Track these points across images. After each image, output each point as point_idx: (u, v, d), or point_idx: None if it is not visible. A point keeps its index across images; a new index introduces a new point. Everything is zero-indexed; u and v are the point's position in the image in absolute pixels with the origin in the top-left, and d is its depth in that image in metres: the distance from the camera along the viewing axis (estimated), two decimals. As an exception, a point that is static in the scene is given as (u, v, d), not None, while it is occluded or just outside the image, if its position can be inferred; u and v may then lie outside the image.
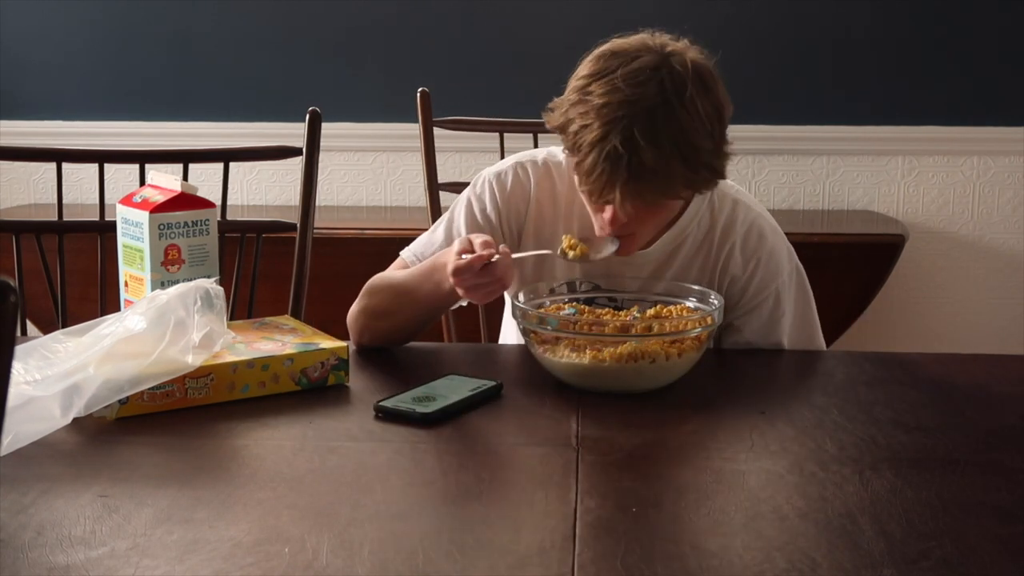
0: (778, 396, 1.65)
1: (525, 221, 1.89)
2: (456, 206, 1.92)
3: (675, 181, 1.66)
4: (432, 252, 1.87)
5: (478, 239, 1.66)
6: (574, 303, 1.79)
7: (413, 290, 1.79)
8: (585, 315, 1.72)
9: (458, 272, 1.64)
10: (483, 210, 1.88)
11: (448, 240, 1.87)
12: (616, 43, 1.71)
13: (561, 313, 1.72)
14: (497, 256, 1.64)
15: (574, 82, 1.70)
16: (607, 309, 1.78)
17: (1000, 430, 1.53)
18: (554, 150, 1.91)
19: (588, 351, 1.62)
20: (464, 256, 1.64)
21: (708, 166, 1.67)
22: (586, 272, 1.87)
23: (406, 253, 1.91)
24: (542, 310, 1.72)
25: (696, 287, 1.78)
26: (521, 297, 1.73)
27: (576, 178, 1.71)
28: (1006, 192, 3.58)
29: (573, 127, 1.67)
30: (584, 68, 1.70)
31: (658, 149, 1.61)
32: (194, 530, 1.19)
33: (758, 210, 1.89)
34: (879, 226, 3.43)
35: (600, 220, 1.75)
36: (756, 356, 1.82)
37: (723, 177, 1.73)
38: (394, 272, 1.89)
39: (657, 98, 1.62)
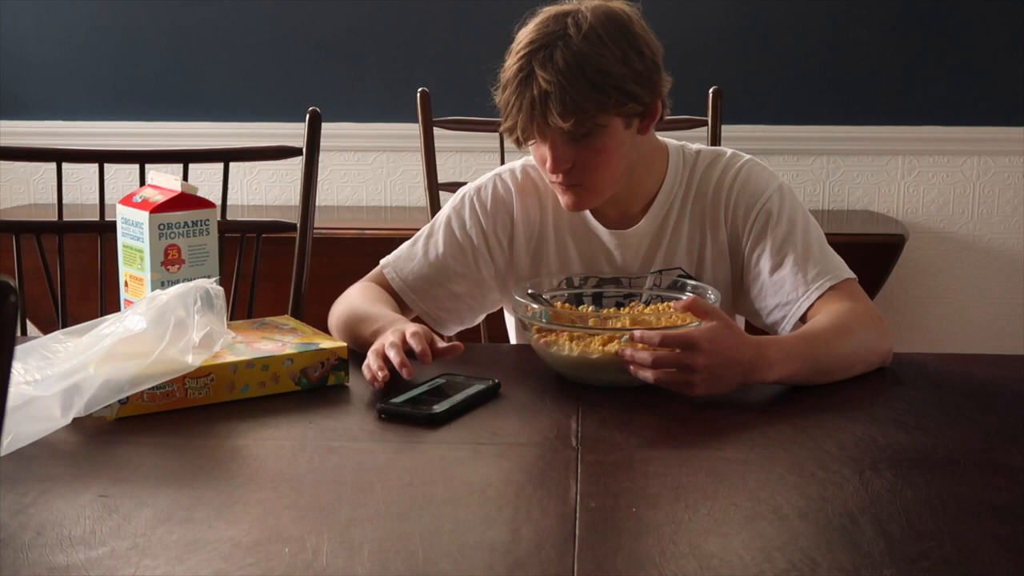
0: (778, 396, 1.65)
1: (513, 232, 1.92)
2: (437, 220, 1.94)
3: (584, 104, 1.71)
4: (412, 267, 1.91)
5: (410, 332, 1.65)
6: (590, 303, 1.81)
7: (359, 335, 1.77)
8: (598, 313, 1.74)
9: (375, 354, 1.63)
10: (463, 227, 1.91)
11: (425, 257, 1.91)
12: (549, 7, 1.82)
13: (589, 310, 1.74)
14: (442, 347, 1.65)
15: None
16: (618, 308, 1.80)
17: (1000, 430, 1.53)
18: (531, 158, 1.94)
19: (590, 343, 1.63)
20: (388, 350, 1.63)
21: (620, 89, 1.73)
22: (585, 264, 1.90)
23: (386, 267, 1.93)
24: (560, 305, 1.75)
25: (692, 282, 1.79)
26: (521, 290, 1.74)
27: (508, 127, 1.78)
28: (1006, 192, 3.58)
29: (500, 94, 1.78)
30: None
31: (557, 73, 1.70)
32: (194, 530, 1.19)
33: (730, 152, 1.91)
34: (879, 226, 3.43)
35: (547, 173, 1.80)
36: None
37: (644, 103, 1.76)
38: (358, 304, 1.86)
39: (558, 34, 1.74)
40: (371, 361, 1.63)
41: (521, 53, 1.74)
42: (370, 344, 1.69)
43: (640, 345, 1.59)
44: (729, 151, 1.92)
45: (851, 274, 1.83)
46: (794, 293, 1.81)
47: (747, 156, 1.91)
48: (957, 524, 1.23)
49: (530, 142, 1.78)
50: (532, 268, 1.91)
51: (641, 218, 1.88)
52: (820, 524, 1.22)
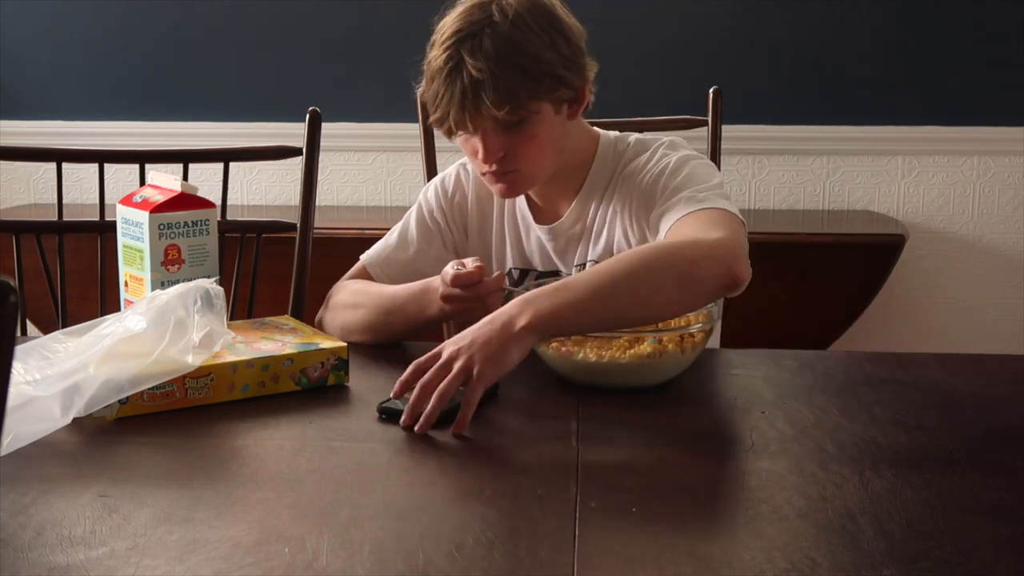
0: (778, 396, 1.65)
1: (468, 218, 1.97)
2: (410, 211, 2.00)
3: (517, 91, 1.71)
4: (388, 254, 1.95)
5: (469, 260, 1.72)
6: None
7: (398, 310, 1.82)
8: None
9: (454, 282, 1.69)
10: (431, 213, 1.97)
11: (400, 243, 1.97)
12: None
13: None
14: (490, 279, 1.70)
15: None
16: None
17: (1000, 430, 1.53)
18: None
19: (591, 347, 1.63)
20: (457, 273, 1.70)
21: (551, 75, 1.74)
22: (519, 259, 1.93)
23: (366, 259, 1.97)
24: None
25: None
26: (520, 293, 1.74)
27: (436, 119, 1.79)
28: (1006, 192, 3.58)
29: (426, 88, 1.78)
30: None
31: (487, 61, 1.70)
32: (194, 530, 1.19)
33: (669, 140, 1.88)
34: (879, 226, 3.43)
35: (479, 163, 1.81)
36: (756, 356, 1.82)
37: (575, 87, 1.77)
38: (374, 288, 1.89)
39: (484, 22, 1.74)
40: (459, 273, 1.68)
41: (447, 43, 1.74)
42: (409, 316, 1.77)
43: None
44: (666, 139, 1.87)
45: (727, 206, 1.71)
46: (657, 220, 1.76)
47: (668, 139, 1.88)
48: (957, 524, 1.23)
49: (460, 134, 1.78)
50: (483, 257, 1.90)
51: (567, 210, 1.90)
52: (820, 524, 1.22)
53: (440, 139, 2.52)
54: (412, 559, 1.13)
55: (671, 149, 1.86)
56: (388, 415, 1.52)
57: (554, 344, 1.65)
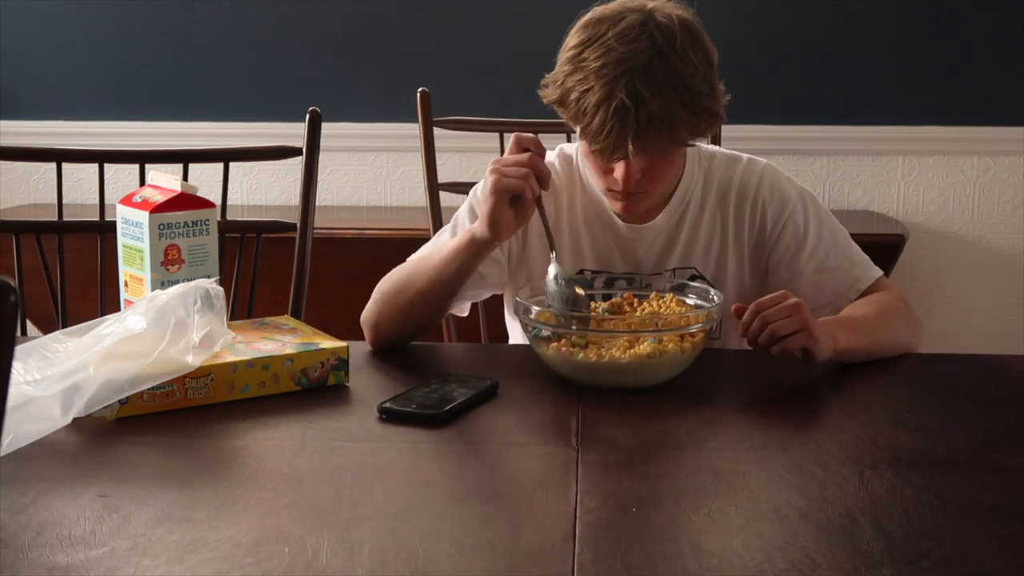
0: (778, 396, 1.65)
1: (530, 223, 1.89)
2: (459, 213, 1.94)
3: (680, 127, 1.71)
4: None
5: (460, 217, 1.73)
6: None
7: (422, 261, 1.82)
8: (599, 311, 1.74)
9: (520, 141, 1.70)
10: None
11: None
12: (598, 10, 1.78)
13: (599, 310, 1.74)
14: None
15: (565, 53, 1.77)
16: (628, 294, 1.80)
17: (1000, 430, 1.53)
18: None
19: (591, 347, 1.63)
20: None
21: (708, 110, 1.73)
22: (595, 258, 1.90)
23: (413, 258, 1.91)
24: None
25: (695, 284, 1.79)
26: (524, 292, 1.74)
27: (583, 143, 1.77)
28: (1006, 192, 3.58)
29: (573, 95, 1.73)
30: (573, 38, 1.76)
31: (662, 98, 1.68)
32: (194, 530, 1.19)
33: (748, 156, 1.93)
34: (879, 226, 3.43)
35: (609, 180, 1.79)
36: (756, 356, 1.82)
37: (723, 120, 1.78)
38: (413, 260, 1.89)
39: (651, 51, 1.69)
40: (513, 166, 1.69)
41: (611, 73, 1.68)
42: (448, 253, 1.78)
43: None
44: (745, 156, 1.93)
45: (879, 271, 1.92)
46: (833, 295, 1.87)
47: (763, 160, 1.93)
48: (957, 524, 1.23)
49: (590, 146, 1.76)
50: (544, 259, 1.90)
51: (658, 214, 1.89)
52: (820, 524, 1.22)
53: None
54: (412, 559, 1.13)
55: (778, 181, 1.90)
56: (388, 415, 1.52)
57: (554, 344, 1.65)
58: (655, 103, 1.67)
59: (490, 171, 1.71)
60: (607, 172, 1.78)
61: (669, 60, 1.69)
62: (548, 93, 1.79)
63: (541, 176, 1.70)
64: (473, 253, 1.76)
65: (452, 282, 1.80)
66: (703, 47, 1.75)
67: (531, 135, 1.72)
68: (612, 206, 1.85)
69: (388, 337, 1.83)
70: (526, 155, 1.70)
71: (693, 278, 1.86)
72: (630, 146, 1.69)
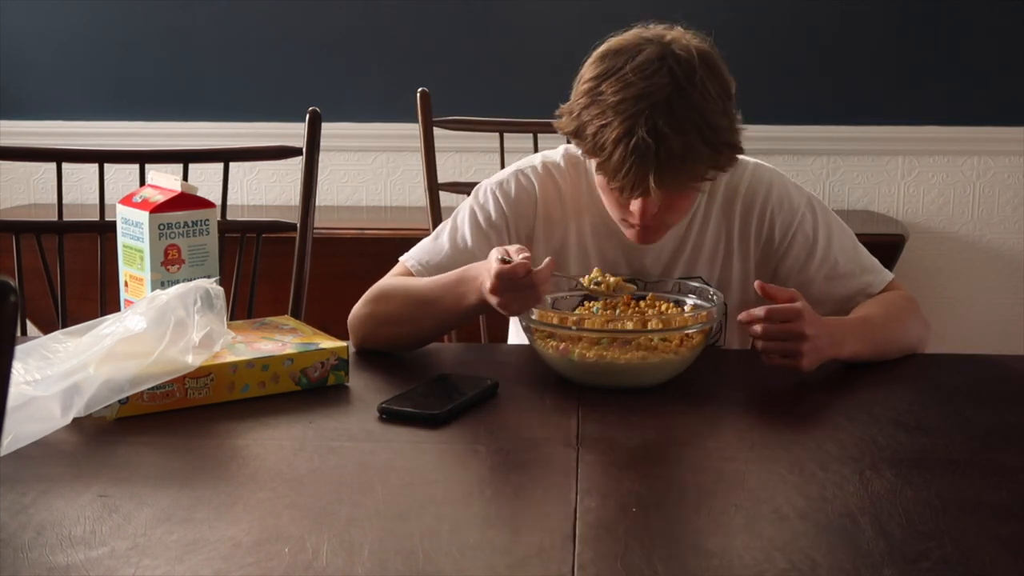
0: (778, 396, 1.65)
1: (534, 226, 1.89)
2: (458, 215, 1.91)
3: (701, 163, 1.69)
4: (439, 260, 1.86)
5: (514, 248, 1.64)
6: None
7: (433, 301, 1.76)
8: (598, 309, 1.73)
9: (501, 276, 1.59)
10: (488, 219, 1.88)
11: (454, 249, 1.86)
12: (614, 41, 1.73)
13: (592, 310, 1.73)
14: (539, 268, 1.62)
15: (581, 85, 1.72)
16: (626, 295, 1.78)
17: (1000, 430, 1.53)
18: (550, 153, 1.93)
19: (590, 347, 1.63)
20: (504, 263, 1.61)
21: (728, 144, 1.72)
22: (602, 265, 1.88)
23: (408, 260, 1.89)
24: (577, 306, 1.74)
25: (695, 284, 1.79)
26: None
27: (600, 178, 1.74)
28: (1006, 192, 3.58)
29: (590, 129, 1.69)
30: (589, 70, 1.72)
31: (683, 135, 1.65)
32: (194, 530, 1.19)
33: (754, 161, 1.91)
34: (879, 226, 3.43)
35: (626, 212, 1.76)
36: (756, 356, 1.82)
37: (742, 152, 1.77)
38: (408, 280, 1.85)
39: (670, 86, 1.66)
40: (504, 267, 1.59)
41: (630, 109, 1.65)
42: (446, 307, 1.73)
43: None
44: (751, 161, 1.91)
45: (889, 275, 1.92)
46: (844, 301, 1.86)
47: (769, 166, 1.92)
48: (957, 524, 1.23)
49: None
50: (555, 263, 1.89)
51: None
52: (820, 524, 1.22)
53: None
54: (412, 559, 1.13)
55: (785, 189, 1.90)
56: (388, 415, 1.52)
57: (553, 343, 1.65)
58: (676, 140, 1.64)
59: (497, 304, 1.63)
60: (623, 205, 1.76)
61: (689, 96, 1.66)
62: (563, 124, 1.75)
63: (543, 284, 1.62)
64: (484, 311, 1.76)
65: (460, 324, 1.84)
66: (722, 80, 1.73)
67: (516, 266, 1.59)
68: (627, 233, 1.82)
69: (373, 348, 1.81)
70: (528, 292, 1.60)
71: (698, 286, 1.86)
72: (651, 183, 1.66)
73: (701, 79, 1.68)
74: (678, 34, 1.74)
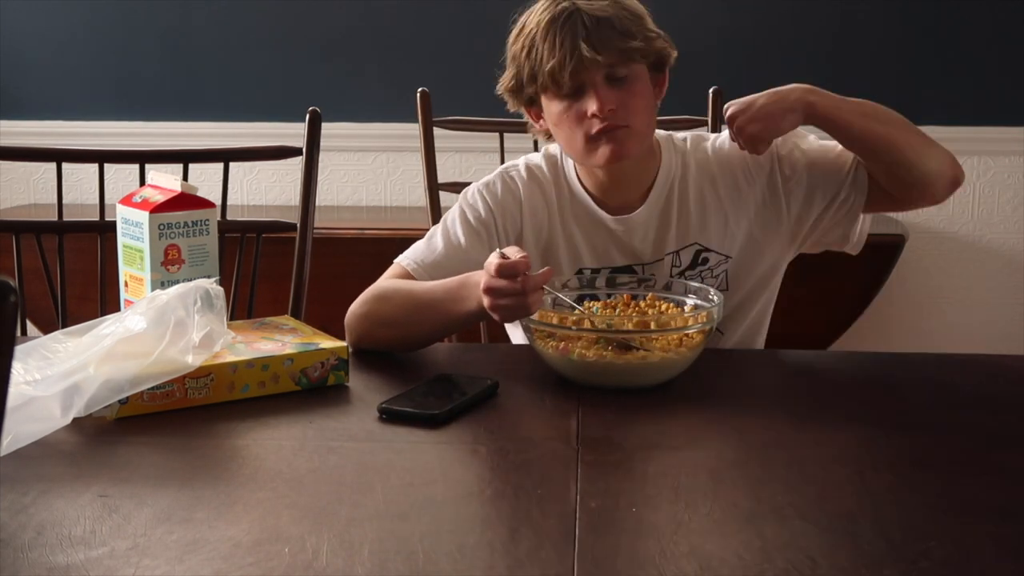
0: (778, 396, 1.65)
1: (522, 226, 1.93)
2: (448, 218, 1.94)
3: (627, 31, 1.79)
4: (435, 258, 1.87)
5: (513, 250, 1.64)
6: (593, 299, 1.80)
7: (433, 305, 1.76)
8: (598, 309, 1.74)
9: (501, 269, 1.59)
10: (478, 217, 1.91)
11: (448, 247, 1.89)
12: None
13: (592, 310, 1.74)
14: (535, 274, 1.62)
15: (509, 50, 1.88)
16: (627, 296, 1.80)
17: (1000, 430, 1.53)
18: (531, 156, 1.99)
19: (590, 347, 1.63)
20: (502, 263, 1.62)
21: (653, 31, 1.83)
22: (594, 256, 1.91)
23: (404, 260, 1.90)
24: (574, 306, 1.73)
25: (694, 284, 1.79)
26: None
27: (554, 104, 1.82)
28: (1006, 192, 3.58)
29: (522, 54, 1.83)
30: (511, 37, 1.89)
31: (603, 6, 1.79)
32: (194, 530, 1.19)
33: (714, 134, 2.01)
34: (879, 226, 3.41)
35: (587, 124, 1.81)
36: (756, 356, 1.82)
37: (673, 49, 1.86)
38: (409, 282, 1.85)
39: None
40: (504, 262, 1.60)
41: (551, 8, 1.80)
42: (445, 311, 1.74)
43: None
44: (711, 134, 2.00)
45: None
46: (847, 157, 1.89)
47: (716, 134, 1.99)
48: (957, 524, 1.23)
49: (558, 101, 1.81)
50: (541, 264, 1.90)
51: (642, 204, 1.90)
52: (820, 524, 1.22)
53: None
54: (412, 559, 1.13)
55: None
56: (388, 415, 1.52)
57: (552, 344, 1.65)
58: (596, 6, 1.78)
59: (488, 306, 1.63)
60: (580, 118, 1.80)
61: None
62: (504, 81, 1.88)
63: (533, 293, 1.61)
64: (483, 319, 1.79)
65: (457, 330, 1.85)
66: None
67: (516, 262, 1.60)
68: (598, 155, 1.82)
69: (369, 347, 1.81)
70: (517, 285, 1.59)
71: (699, 252, 1.87)
72: (584, 50, 1.75)
73: None
74: None
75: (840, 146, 1.88)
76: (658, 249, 1.90)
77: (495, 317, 1.65)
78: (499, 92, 1.89)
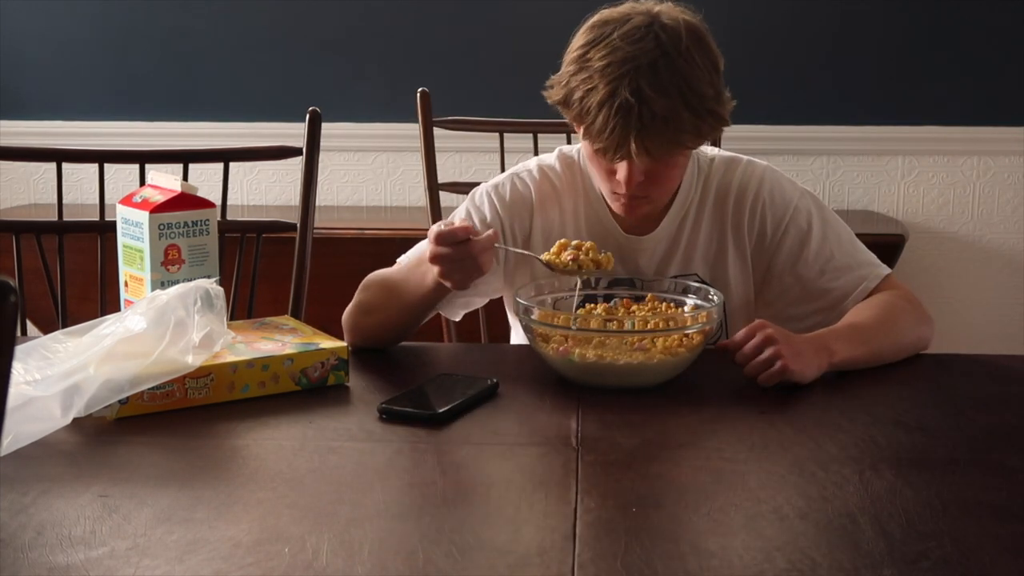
0: (778, 396, 1.65)
1: (531, 229, 1.91)
2: (455, 216, 1.92)
3: (683, 128, 1.70)
4: None
5: (456, 221, 1.67)
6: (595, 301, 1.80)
7: (399, 284, 1.81)
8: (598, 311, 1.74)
9: (440, 237, 1.63)
10: (483, 220, 1.89)
11: None
12: (604, 12, 1.77)
13: (595, 312, 1.74)
14: (480, 237, 1.65)
15: (570, 54, 1.76)
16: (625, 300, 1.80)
17: (1000, 430, 1.53)
18: (545, 157, 1.96)
19: (590, 347, 1.63)
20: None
21: (712, 112, 1.73)
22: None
23: (404, 260, 1.91)
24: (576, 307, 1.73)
25: (695, 284, 1.79)
26: (525, 292, 1.74)
27: (588, 147, 1.77)
28: (1006, 192, 3.58)
29: (577, 94, 1.72)
30: (578, 39, 1.76)
31: (666, 98, 1.67)
32: (194, 530, 1.19)
33: (747, 159, 1.93)
34: (879, 226, 3.43)
35: (613, 183, 1.78)
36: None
37: (727, 123, 1.78)
38: (387, 270, 1.89)
39: (656, 51, 1.69)
40: (442, 230, 1.63)
41: (615, 73, 1.68)
42: (411, 288, 1.75)
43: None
44: (744, 158, 1.92)
45: (886, 269, 1.90)
46: (841, 296, 1.86)
47: (763, 163, 1.92)
48: (957, 524, 1.23)
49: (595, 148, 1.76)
50: (523, 267, 1.90)
51: (658, 223, 1.88)
52: (820, 524, 1.22)
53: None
54: (412, 559, 1.13)
55: (778, 183, 1.90)
56: (388, 415, 1.52)
57: (552, 344, 1.65)
58: (659, 103, 1.67)
59: (439, 275, 1.66)
60: (610, 174, 1.77)
61: (674, 61, 1.69)
62: (552, 93, 1.78)
63: (483, 253, 1.64)
64: (444, 295, 1.78)
65: (427, 311, 1.84)
66: (709, 51, 1.75)
67: (455, 228, 1.64)
68: (614, 206, 1.84)
69: (364, 344, 1.82)
70: (461, 249, 1.63)
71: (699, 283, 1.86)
72: (632, 145, 1.68)
73: (687, 47, 1.71)
74: (667, 7, 1.77)
75: (843, 288, 1.86)
76: (660, 271, 1.89)
77: (448, 285, 1.68)
78: (544, 94, 1.81)
